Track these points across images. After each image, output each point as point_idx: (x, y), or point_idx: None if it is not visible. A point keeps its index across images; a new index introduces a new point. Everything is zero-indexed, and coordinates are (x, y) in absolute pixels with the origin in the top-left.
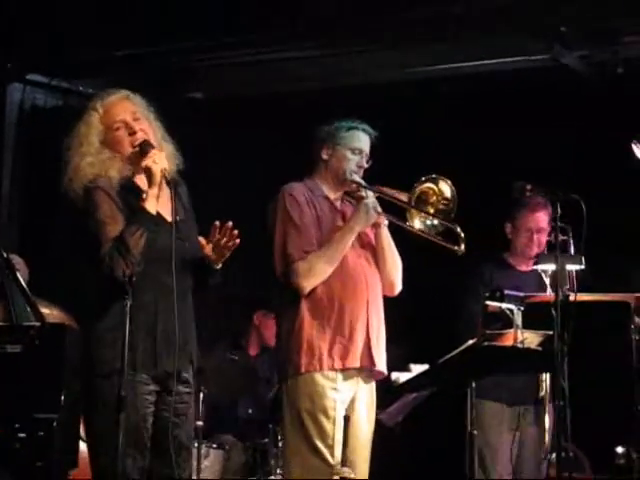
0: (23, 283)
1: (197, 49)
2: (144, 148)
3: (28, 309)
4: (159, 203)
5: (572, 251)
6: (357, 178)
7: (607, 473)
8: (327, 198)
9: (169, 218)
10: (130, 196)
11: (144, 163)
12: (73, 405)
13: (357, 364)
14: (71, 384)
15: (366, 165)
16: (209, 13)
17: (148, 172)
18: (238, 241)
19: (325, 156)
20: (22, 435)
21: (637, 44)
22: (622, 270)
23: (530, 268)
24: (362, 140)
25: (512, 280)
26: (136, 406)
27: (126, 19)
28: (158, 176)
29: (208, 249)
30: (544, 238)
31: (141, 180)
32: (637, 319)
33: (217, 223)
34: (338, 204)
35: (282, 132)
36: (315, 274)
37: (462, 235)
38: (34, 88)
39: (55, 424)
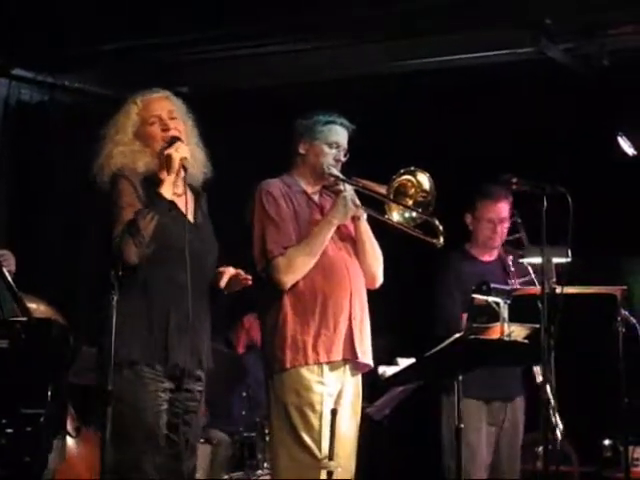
0: (9, 278)
1: (183, 43)
2: (172, 142)
3: (14, 304)
4: (180, 202)
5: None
6: (335, 171)
7: (594, 465)
8: (305, 192)
9: (190, 218)
10: (152, 189)
11: (166, 151)
12: (60, 400)
13: (340, 357)
14: (57, 379)
15: (343, 159)
16: (195, 7)
17: (168, 159)
18: (250, 283)
19: (302, 151)
20: (9, 431)
21: (623, 36)
22: (611, 263)
23: (493, 258)
24: (340, 134)
25: (477, 271)
26: (151, 404)
27: (111, 13)
28: (177, 163)
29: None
30: (505, 228)
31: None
32: (623, 311)
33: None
34: (316, 198)
35: (268, 126)
36: (295, 269)
37: (441, 228)
38: (20, 83)
39: (42, 419)
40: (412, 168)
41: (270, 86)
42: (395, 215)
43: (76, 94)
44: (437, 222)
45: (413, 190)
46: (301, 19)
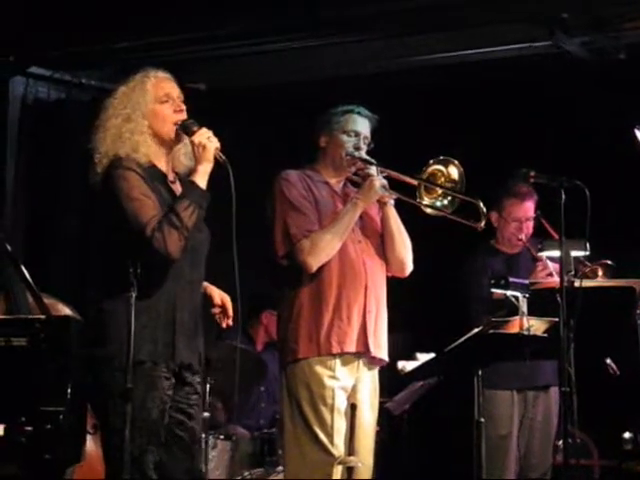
0: (28, 277)
1: (199, 40)
2: (189, 127)
3: (31, 302)
4: (176, 190)
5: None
6: (363, 155)
7: (614, 459)
8: (327, 183)
9: None
10: (156, 182)
11: (197, 139)
12: (79, 398)
13: (354, 349)
14: (77, 377)
15: (364, 147)
16: (212, 3)
17: (201, 148)
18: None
19: (323, 144)
20: (28, 428)
21: (639, 30)
22: (629, 255)
23: (518, 250)
24: (358, 122)
25: (505, 263)
26: (158, 402)
27: (127, 10)
28: (211, 153)
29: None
30: (531, 225)
31: (166, 165)
32: None
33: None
34: (338, 188)
35: (284, 123)
36: (319, 250)
37: (484, 210)
38: (37, 81)
39: (61, 417)
40: (442, 157)
41: (286, 83)
42: (427, 203)
43: (93, 91)
44: (481, 204)
45: (442, 179)
46: (318, 15)
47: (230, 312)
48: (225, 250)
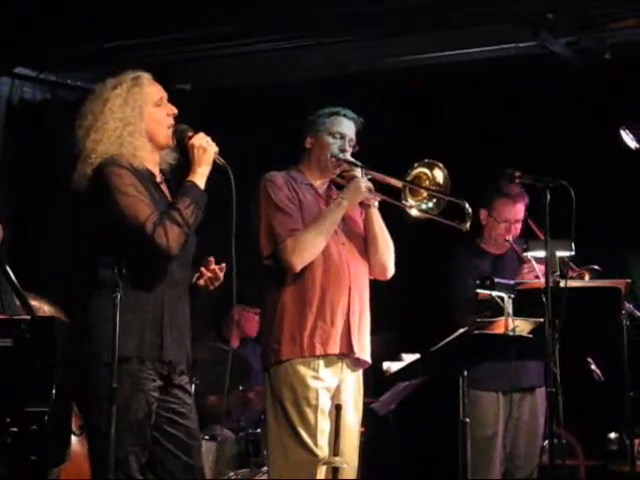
0: (13, 277)
1: (185, 40)
2: (184, 132)
3: (17, 302)
4: (164, 190)
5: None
6: (348, 157)
7: (600, 459)
8: (311, 185)
9: None
10: (147, 183)
11: (198, 142)
12: (64, 399)
13: (337, 350)
14: (62, 377)
15: (349, 149)
16: (196, 4)
17: (201, 150)
18: (218, 282)
19: (308, 145)
20: (13, 429)
21: (624, 30)
22: (615, 256)
23: (504, 250)
24: (343, 124)
25: (489, 264)
26: (143, 403)
27: (114, 11)
28: (211, 157)
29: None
30: (519, 227)
31: (154, 167)
32: (627, 305)
33: (212, 259)
34: (322, 191)
35: (270, 124)
36: (303, 250)
37: (470, 211)
38: (22, 81)
39: (46, 418)
40: (427, 160)
41: (272, 84)
42: (413, 205)
43: (79, 92)
44: (467, 205)
45: (427, 182)
46: (302, 15)
47: (220, 276)
48: (219, 252)
